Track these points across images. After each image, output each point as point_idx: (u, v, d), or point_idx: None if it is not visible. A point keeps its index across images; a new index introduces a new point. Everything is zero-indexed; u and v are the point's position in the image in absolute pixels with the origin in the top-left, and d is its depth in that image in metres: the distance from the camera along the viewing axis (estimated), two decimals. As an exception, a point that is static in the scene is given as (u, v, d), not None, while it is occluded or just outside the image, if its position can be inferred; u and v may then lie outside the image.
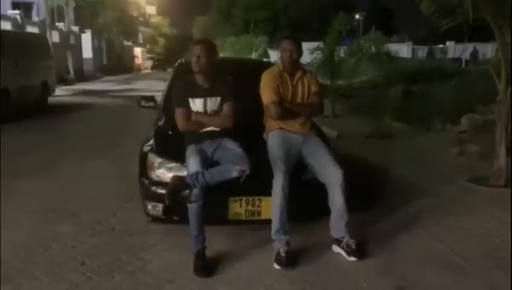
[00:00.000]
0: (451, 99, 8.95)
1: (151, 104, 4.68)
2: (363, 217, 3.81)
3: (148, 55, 57.31)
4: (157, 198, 3.31)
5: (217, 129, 3.27)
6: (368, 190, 4.58)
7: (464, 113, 7.94)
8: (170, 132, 3.70)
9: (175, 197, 3.04)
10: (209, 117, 3.27)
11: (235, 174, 3.02)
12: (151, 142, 3.67)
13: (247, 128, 3.42)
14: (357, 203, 3.40)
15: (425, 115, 8.48)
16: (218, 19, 46.20)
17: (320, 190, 3.27)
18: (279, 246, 3.12)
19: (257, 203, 3.30)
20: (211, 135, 3.26)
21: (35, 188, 4.80)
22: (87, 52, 29.76)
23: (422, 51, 38.09)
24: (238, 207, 3.28)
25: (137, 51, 53.50)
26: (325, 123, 6.47)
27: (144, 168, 3.49)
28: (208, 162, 3.15)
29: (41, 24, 21.57)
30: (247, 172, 3.01)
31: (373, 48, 9.94)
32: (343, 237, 3.24)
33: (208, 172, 3.02)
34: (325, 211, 3.32)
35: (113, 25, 35.93)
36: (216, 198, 3.15)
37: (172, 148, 3.47)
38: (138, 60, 52.88)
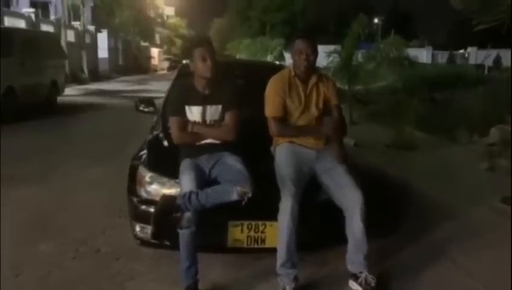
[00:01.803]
0: (478, 108, 8.34)
1: (151, 108, 4.25)
2: (383, 245, 3.32)
3: (165, 56, 57.30)
4: (146, 219, 2.84)
5: (217, 142, 2.82)
6: (389, 210, 4.08)
7: (493, 123, 7.34)
8: (166, 143, 3.26)
9: (162, 222, 2.60)
10: (208, 128, 2.82)
11: (234, 196, 2.56)
12: (143, 153, 3.24)
13: (252, 140, 2.96)
14: (376, 226, 2.91)
15: (450, 124, 7.90)
16: (235, 21, 45.91)
17: (336, 215, 2.80)
18: (285, 282, 2.66)
19: (261, 228, 2.83)
20: (210, 149, 2.81)
21: (25, 198, 4.41)
22: (102, 51, 29.63)
23: (442, 56, 37.24)
24: (239, 233, 2.82)
25: (154, 51, 53.48)
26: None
27: (133, 183, 3.05)
28: (204, 180, 2.70)
29: (56, 23, 21.45)
30: (249, 194, 2.55)
31: (394, 52, 9.37)
32: (361, 272, 2.76)
33: (203, 193, 2.57)
34: (341, 239, 2.85)
35: (130, 25, 35.84)
36: (213, 221, 2.71)
37: (167, 161, 3.01)
38: (155, 61, 52.84)
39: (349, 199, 2.74)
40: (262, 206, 2.73)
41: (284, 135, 2.91)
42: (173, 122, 2.80)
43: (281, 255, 2.67)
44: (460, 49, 38.71)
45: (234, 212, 2.73)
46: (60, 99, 12.51)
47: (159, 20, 59.05)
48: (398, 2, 60.94)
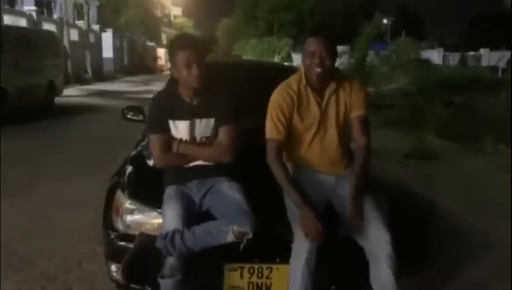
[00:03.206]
0: (503, 114, 7.68)
1: (140, 117, 3.69)
2: (412, 283, 2.72)
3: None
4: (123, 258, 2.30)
5: (209, 164, 2.25)
6: (418, 238, 3.48)
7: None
8: (153, 162, 2.69)
9: (136, 269, 2.02)
10: (198, 147, 2.24)
11: (230, 238, 1.99)
12: (124, 172, 2.66)
13: (256, 160, 2.39)
14: (404, 259, 2.31)
15: (473, 132, 7.25)
16: (242, 21, 45.35)
17: (359, 256, 2.21)
18: None
19: (266, 273, 2.24)
20: (200, 173, 2.24)
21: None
22: (107, 51, 29.13)
23: (453, 58, 36.42)
24: (238, 278, 2.23)
25: (161, 51, 53.07)
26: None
27: (109, 212, 2.48)
28: (193, 212, 2.13)
29: (59, 22, 20.98)
30: (250, 235, 1.98)
31: (410, 54, 8.78)
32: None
33: (189, 233, 1.99)
34: (365, 285, 2.26)
35: (136, 24, 35.43)
36: (206, 264, 2.14)
37: (152, 186, 2.41)
38: (161, 61, 52.46)
39: (374, 241, 2.14)
40: (268, 245, 2.17)
41: (277, 171, 2.22)
42: (154, 141, 2.23)
43: (292, 308, 2.08)
44: (471, 50, 37.87)
45: (232, 252, 2.14)
46: (59, 100, 12.03)
47: (165, 20, 58.69)
48: (407, 3, 60.13)
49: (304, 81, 2.29)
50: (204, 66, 2.16)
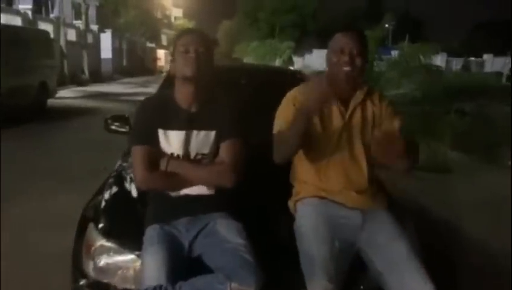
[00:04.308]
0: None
1: (126, 128, 3.21)
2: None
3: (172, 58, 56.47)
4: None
5: (205, 193, 1.78)
6: (444, 269, 3.00)
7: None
8: (135, 189, 2.21)
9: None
10: (194, 165, 1.78)
11: (228, 299, 1.52)
12: (100, 203, 2.17)
13: (264, 186, 1.92)
14: None
15: (488, 143, 6.79)
16: (244, 23, 44.89)
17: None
18: None
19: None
20: (191, 206, 1.77)
21: None
22: (106, 52, 28.69)
23: (457, 63, 35.99)
24: None
25: (160, 53, 52.73)
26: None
27: (79, 251, 2.00)
28: (180, 261, 1.66)
29: (55, 21, 20.51)
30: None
31: (422, 59, 8.33)
32: None
33: (175, 291, 1.52)
34: None
35: (136, 25, 34.98)
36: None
37: (132, 219, 1.96)
38: (161, 62, 52.09)
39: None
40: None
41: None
42: (138, 154, 1.76)
43: None
44: (474, 56, 37.48)
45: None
46: (52, 101, 11.55)
47: (165, 21, 58.33)
48: (409, 8, 59.85)
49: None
50: (206, 59, 1.75)
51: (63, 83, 17.63)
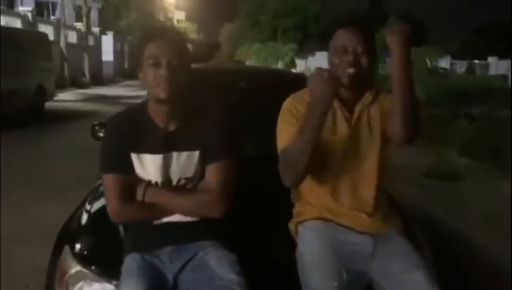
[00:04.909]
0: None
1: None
2: None
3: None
4: None
5: (190, 220, 1.54)
6: (456, 279, 2.76)
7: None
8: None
9: None
10: (175, 194, 1.53)
11: None
12: (79, 222, 1.94)
13: (261, 208, 1.69)
14: None
15: (498, 149, 6.53)
16: (246, 25, 44.73)
17: None
18: None
19: None
20: (176, 235, 1.53)
21: None
22: (107, 54, 28.51)
23: (460, 66, 35.71)
24: None
25: (163, 55, 52.73)
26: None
27: (51, 276, 1.76)
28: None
29: (56, 23, 20.33)
30: None
31: (428, 63, 8.10)
32: None
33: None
34: None
35: (138, 28, 34.89)
36: None
37: (112, 245, 1.72)
38: (162, 65, 52.08)
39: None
40: None
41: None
42: (109, 184, 1.51)
43: None
44: (478, 58, 37.18)
45: None
46: (51, 104, 11.37)
47: (168, 24, 58.27)
48: (410, 10, 59.63)
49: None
50: (181, 72, 1.46)
51: (63, 86, 17.46)
